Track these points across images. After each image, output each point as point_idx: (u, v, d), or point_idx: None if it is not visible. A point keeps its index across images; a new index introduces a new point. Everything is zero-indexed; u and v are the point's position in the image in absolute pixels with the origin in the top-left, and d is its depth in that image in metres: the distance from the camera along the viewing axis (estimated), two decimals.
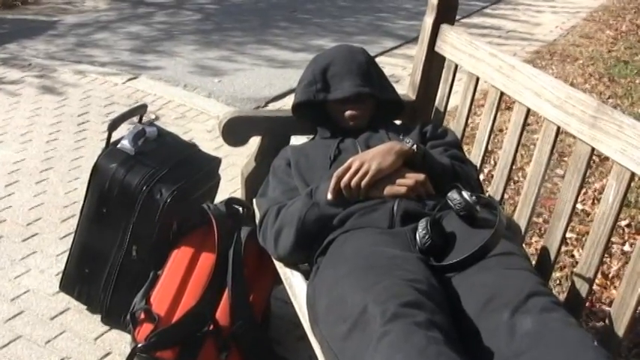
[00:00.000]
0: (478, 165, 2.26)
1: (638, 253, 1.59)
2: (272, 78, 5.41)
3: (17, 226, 3.34)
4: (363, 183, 1.92)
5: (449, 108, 2.57)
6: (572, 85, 5.41)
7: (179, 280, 2.34)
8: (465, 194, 1.81)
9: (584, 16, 7.67)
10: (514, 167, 2.27)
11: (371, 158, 1.94)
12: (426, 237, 1.73)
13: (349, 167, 1.95)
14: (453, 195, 1.83)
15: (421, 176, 1.94)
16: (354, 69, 2.30)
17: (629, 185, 1.65)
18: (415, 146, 1.99)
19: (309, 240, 1.95)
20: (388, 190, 1.92)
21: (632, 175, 1.62)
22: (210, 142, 4.05)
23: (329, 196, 1.95)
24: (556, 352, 1.38)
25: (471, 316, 1.56)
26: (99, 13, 7.58)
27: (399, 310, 1.43)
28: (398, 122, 2.46)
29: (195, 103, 4.91)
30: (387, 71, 5.10)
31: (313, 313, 1.73)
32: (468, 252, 1.68)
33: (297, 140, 2.49)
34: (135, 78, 5.39)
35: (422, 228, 1.75)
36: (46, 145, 4.22)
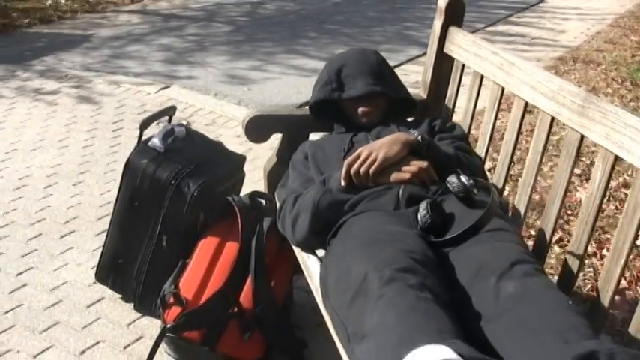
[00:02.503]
0: (483, 156, 2.40)
1: (621, 226, 1.73)
2: (300, 86, 5.57)
3: (55, 224, 3.53)
4: (371, 170, 2.08)
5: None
6: (593, 89, 5.53)
7: (205, 266, 2.51)
8: (463, 178, 1.97)
9: (609, 22, 7.76)
10: (515, 159, 2.40)
11: (378, 148, 2.11)
12: (426, 217, 1.88)
13: (359, 156, 2.11)
14: (452, 179, 1.98)
15: (424, 164, 2.09)
16: (366, 69, 2.47)
17: (613, 167, 1.78)
18: (420, 137, 2.15)
19: (323, 225, 2.11)
20: (394, 176, 2.08)
21: (616, 157, 1.76)
22: (239, 147, 4.22)
23: (341, 183, 2.11)
24: (533, 309, 1.52)
25: (464, 284, 1.71)
26: (132, 26, 7.82)
27: (395, 275, 1.59)
28: (410, 120, 2.61)
29: (225, 110, 5.09)
30: (413, 78, 5.28)
31: (324, 287, 1.89)
32: (463, 229, 1.83)
33: (315, 137, 2.65)
34: (167, 87, 5.60)
35: (423, 209, 1.91)
36: (82, 151, 4.42)
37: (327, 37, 7.17)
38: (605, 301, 1.77)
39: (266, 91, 5.54)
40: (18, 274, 3.11)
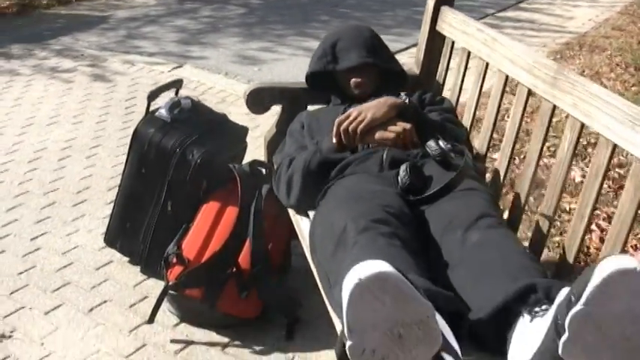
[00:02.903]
0: (468, 127, 2.54)
1: (586, 186, 1.87)
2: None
3: (68, 194, 3.70)
4: (359, 129, 2.23)
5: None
6: (597, 74, 5.62)
7: (207, 229, 2.66)
8: (442, 143, 2.11)
9: (618, 10, 7.82)
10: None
11: (367, 109, 2.26)
12: (405, 177, 2.03)
13: (349, 115, 2.26)
14: (431, 143, 2.13)
15: (408, 125, 2.23)
16: (360, 43, 2.61)
17: (579, 134, 1.92)
18: (408, 100, 2.29)
19: (314, 185, 2.25)
20: (379, 135, 2.23)
21: (582, 125, 1.89)
22: (248, 123, 4.34)
23: (332, 141, 2.26)
24: (492, 255, 1.67)
25: (436, 238, 1.85)
26: (148, 8, 7.98)
27: (369, 225, 1.74)
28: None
29: (235, 89, 5.23)
30: None
31: (312, 243, 2.03)
32: (437, 188, 1.98)
33: (312, 108, 2.80)
34: (180, 67, 5.75)
35: (402, 171, 2.05)
36: (96, 126, 4.59)
37: (338, 21, 7.29)
38: (571, 257, 1.91)
39: (275, 71, 5.69)
40: (32, 239, 3.28)
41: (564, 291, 1.35)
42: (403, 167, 2.06)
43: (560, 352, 1.28)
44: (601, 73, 5.64)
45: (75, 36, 6.74)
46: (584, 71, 5.64)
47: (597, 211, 3.29)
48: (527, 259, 1.66)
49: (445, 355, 1.35)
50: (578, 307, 1.24)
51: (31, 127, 4.57)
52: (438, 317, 1.40)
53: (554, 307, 1.35)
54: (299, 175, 2.30)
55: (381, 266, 1.30)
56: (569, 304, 1.27)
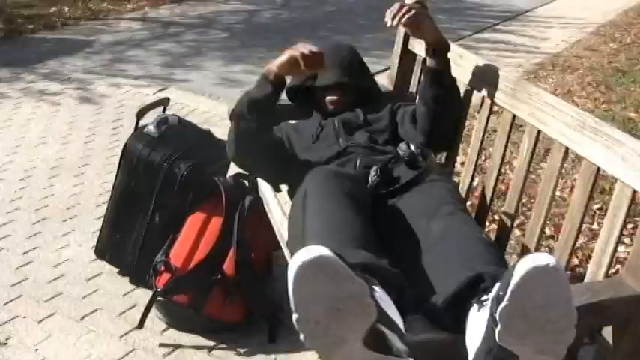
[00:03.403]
0: None
1: (542, 188, 2.04)
2: None
3: (58, 210, 3.84)
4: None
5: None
6: (568, 92, 5.82)
7: (193, 238, 2.81)
8: (412, 146, 2.29)
9: (590, 31, 8.05)
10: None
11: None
12: (375, 177, 2.19)
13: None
14: (403, 145, 2.32)
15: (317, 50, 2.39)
16: (337, 62, 2.75)
17: (536, 140, 2.09)
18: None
19: (246, 131, 2.41)
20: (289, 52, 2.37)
21: (539, 132, 2.06)
22: None
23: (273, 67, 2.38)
24: (452, 244, 1.82)
25: (404, 229, 2.02)
26: (133, 32, 8.15)
27: (325, 191, 1.95)
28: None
29: (218, 110, 5.38)
30: None
31: (287, 235, 2.17)
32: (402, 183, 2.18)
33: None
34: (165, 89, 5.91)
35: (373, 171, 2.22)
36: (84, 146, 4.73)
37: (318, 44, 7.45)
38: (532, 247, 2.08)
39: None
40: (24, 253, 3.41)
41: (496, 286, 1.52)
42: (374, 169, 2.22)
43: (497, 340, 1.46)
44: (572, 92, 5.83)
45: (61, 60, 6.89)
46: (556, 90, 5.83)
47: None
48: (483, 246, 1.81)
49: (383, 328, 1.50)
50: (504, 302, 1.42)
51: (21, 148, 4.70)
52: (381, 293, 1.56)
53: (489, 301, 1.52)
54: (233, 123, 2.46)
55: (320, 250, 1.47)
56: (498, 298, 1.45)
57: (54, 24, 8.41)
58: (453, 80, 2.43)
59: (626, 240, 3.08)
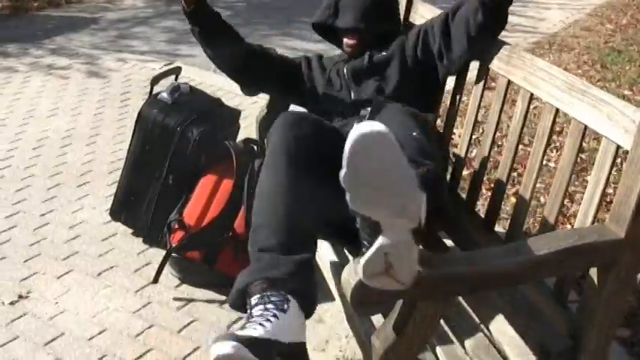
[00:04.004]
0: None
1: (534, 147, 2.19)
2: None
3: (72, 176, 4.00)
4: None
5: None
6: (565, 70, 5.95)
7: (206, 198, 2.97)
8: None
9: (588, 12, 8.19)
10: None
11: None
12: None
13: None
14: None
15: None
16: (359, 4, 2.76)
17: (529, 103, 2.24)
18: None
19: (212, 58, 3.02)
20: None
21: (532, 95, 2.21)
22: None
23: None
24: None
25: None
26: (137, 10, 8.29)
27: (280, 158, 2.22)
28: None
29: (223, 83, 5.52)
30: None
31: None
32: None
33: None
34: (170, 64, 6.02)
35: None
36: (93, 117, 4.88)
37: None
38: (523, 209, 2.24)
39: None
40: (41, 215, 3.57)
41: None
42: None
43: (350, 207, 1.52)
44: (569, 70, 5.95)
45: (67, 36, 7.03)
46: None
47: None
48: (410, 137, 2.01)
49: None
50: (344, 170, 1.47)
51: (32, 119, 4.85)
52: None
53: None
54: None
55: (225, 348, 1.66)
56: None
57: (59, 1, 8.53)
58: None
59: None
